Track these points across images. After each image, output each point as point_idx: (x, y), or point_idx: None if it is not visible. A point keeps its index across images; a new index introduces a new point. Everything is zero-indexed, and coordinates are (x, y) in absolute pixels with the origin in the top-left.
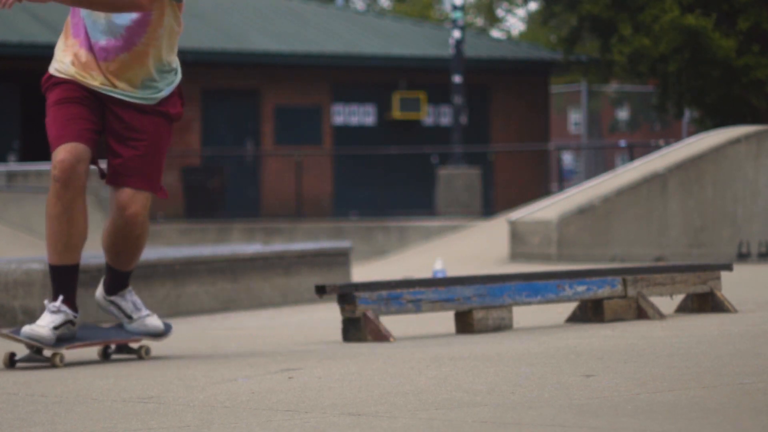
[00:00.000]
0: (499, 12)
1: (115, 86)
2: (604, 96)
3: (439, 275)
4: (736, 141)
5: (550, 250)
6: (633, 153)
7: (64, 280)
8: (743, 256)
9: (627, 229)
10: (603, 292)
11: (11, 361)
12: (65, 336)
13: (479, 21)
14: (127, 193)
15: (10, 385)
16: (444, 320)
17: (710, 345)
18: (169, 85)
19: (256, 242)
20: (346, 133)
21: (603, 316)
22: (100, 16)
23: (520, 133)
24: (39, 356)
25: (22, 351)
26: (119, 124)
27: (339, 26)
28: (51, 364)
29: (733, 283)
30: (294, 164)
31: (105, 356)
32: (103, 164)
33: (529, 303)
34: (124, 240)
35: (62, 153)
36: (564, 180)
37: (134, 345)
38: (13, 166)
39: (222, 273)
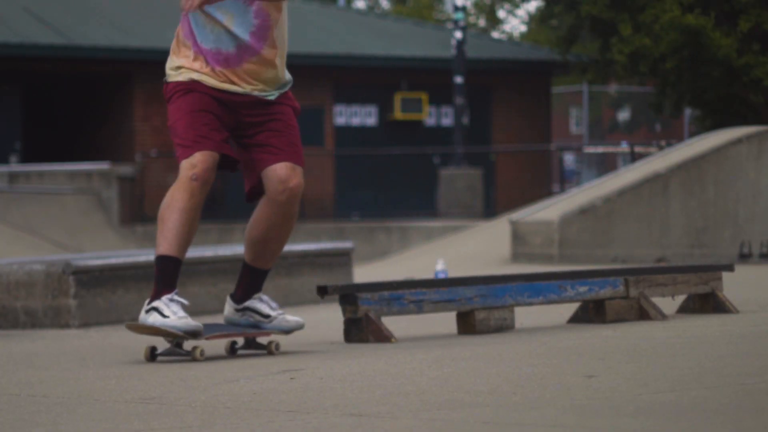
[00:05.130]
0: (501, 13)
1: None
2: (606, 96)
3: (441, 276)
4: (738, 141)
5: (551, 250)
6: (634, 154)
7: (175, 272)
8: (745, 257)
9: (628, 229)
10: (605, 292)
11: (153, 355)
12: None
13: (481, 22)
14: (285, 166)
15: (12, 385)
16: (446, 321)
17: (712, 345)
18: (288, 84)
19: None
20: (347, 134)
21: (605, 317)
22: (217, 27)
23: (522, 133)
24: (180, 350)
25: (161, 345)
26: (255, 117)
27: (340, 27)
28: (192, 358)
29: (734, 284)
30: None
31: (232, 351)
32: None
33: (530, 303)
34: (282, 219)
35: (202, 156)
36: (565, 180)
37: (264, 340)
38: (15, 167)
39: (224, 274)
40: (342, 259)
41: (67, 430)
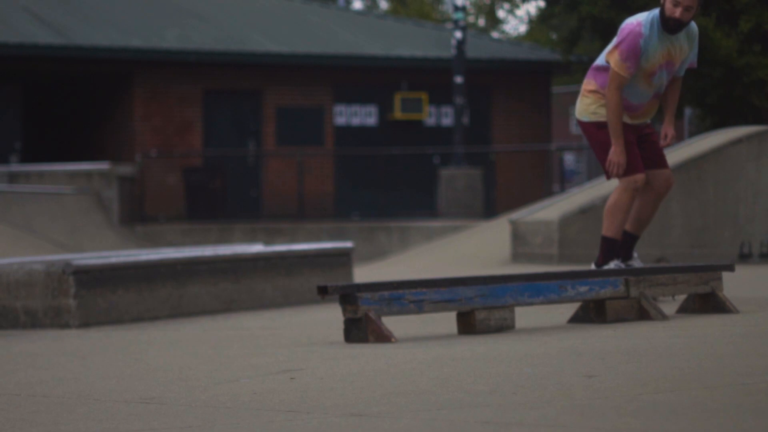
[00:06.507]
0: (501, 13)
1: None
2: None
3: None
4: (738, 141)
5: (551, 250)
6: None
7: (616, 247)
8: (745, 257)
9: None
10: (605, 292)
11: None
12: None
13: (481, 22)
14: (667, 171)
15: (12, 385)
16: (446, 321)
17: (712, 345)
18: None
19: (257, 243)
20: (347, 134)
21: (605, 317)
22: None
23: (522, 133)
24: None
25: None
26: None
27: (340, 27)
28: None
29: (734, 284)
30: (296, 165)
31: None
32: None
33: (531, 303)
34: (657, 206)
35: (641, 175)
36: (565, 180)
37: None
38: (15, 167)
39: (224, 273)
40: (342, 259)
41: (67, 430)
